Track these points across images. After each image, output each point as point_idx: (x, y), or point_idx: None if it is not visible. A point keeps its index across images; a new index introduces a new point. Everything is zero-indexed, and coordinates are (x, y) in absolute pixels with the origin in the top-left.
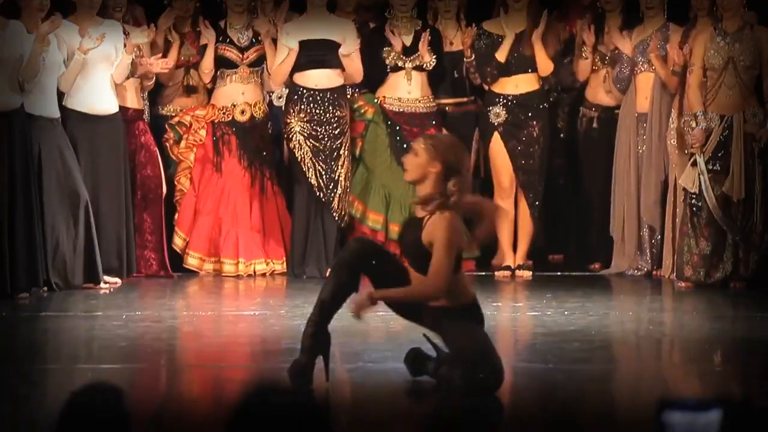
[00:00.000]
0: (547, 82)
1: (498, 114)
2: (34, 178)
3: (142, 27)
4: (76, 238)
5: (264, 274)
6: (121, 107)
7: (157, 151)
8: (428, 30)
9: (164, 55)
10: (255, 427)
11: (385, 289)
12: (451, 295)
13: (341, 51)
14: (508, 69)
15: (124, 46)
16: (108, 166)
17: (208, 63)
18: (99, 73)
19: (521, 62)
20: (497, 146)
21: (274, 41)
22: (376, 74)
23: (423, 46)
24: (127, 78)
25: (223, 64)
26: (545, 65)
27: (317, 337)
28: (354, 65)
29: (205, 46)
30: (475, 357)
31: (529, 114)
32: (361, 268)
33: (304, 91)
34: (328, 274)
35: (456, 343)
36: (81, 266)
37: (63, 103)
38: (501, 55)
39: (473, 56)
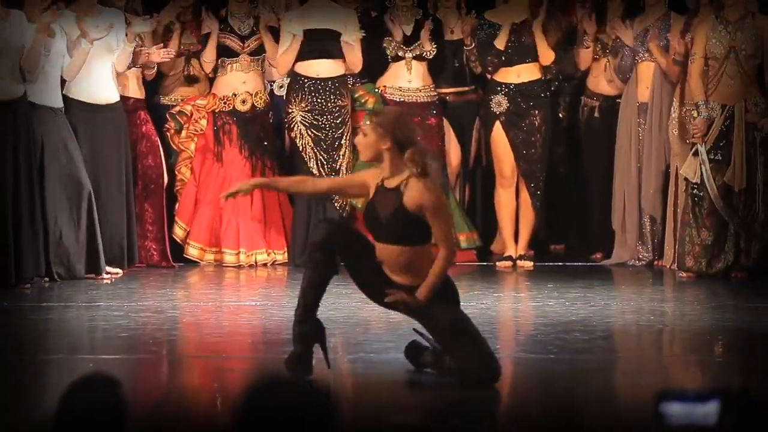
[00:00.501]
0: (548, 72)
1: (499, 103)
2: (37, 167)
3: (143, 16)
4: (78, 228)
5: (265, 264)
6: (122, 97)
7: (159, 140)
8: (430, 19)
9: (165, 44)
10: (258, 420)
11: (414, 285)
12: (425, 273)
13: (343, 39)
14: (510, 58)
15: (126, 35)
16: (109, 155)
17: (210, 52)
18: (100, 63)
19: (522, 51)
20: (499, 135)
21: (274, 31)
22: (376, 64)
23: (425, 35)
24: (129, 67)
25: (223, 53)
26: (546, 54)
27: (305, 325)
28: (354, 54)
29: (206, 35)
30: (466, 347)
31: (531, 103)
32: (335, 249)
33: (306, 80)
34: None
35: (439, 326)
36: (83, 257)
37: (64, 92)
38: (500, 43)
39: (473, 45)
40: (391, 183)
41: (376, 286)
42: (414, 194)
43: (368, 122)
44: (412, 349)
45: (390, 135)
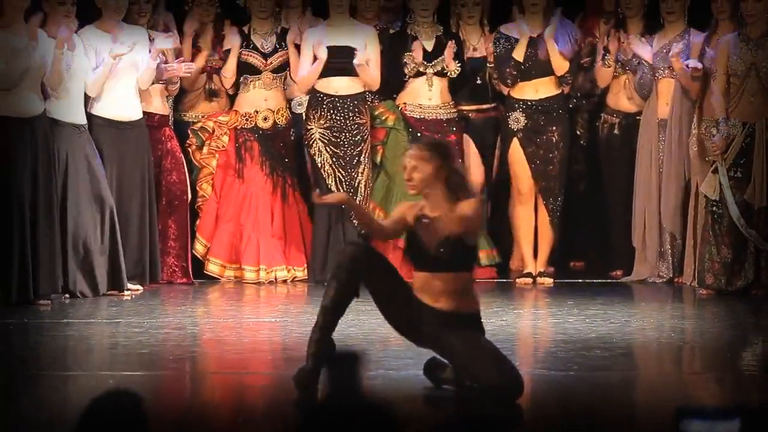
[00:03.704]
0: (564, 82)
1: (517, 119)
2: (56, 184)
3: (167, 33)
4: (101, 244)
5: (285, 281)
6: (147, 113)
7: (183, 157)
8: (452, 40)
9: (191, 61)
10: None
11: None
12: (464, 298)
13: (359, 58)
14: (527, 72)
15: (149, 51)
16: (132, 172)
17: (231, 68)
18: (124, 80)
19: (539, 65)
20: (516, 152)
21: (297, 47)
22: (396, 80)
23: (449, 55)
24: (153, 84)
25: (246, 70)
26: (559, 64)
27: (322, 343)
28: (373, 72)
29: (228, 51)
30: (489, 366)
31: (549, 120)
32: (361, 273)
33: (325, 97)
34: (328, 279)
35: (466, 354)
36: (105, 273)
37: (88, 110)
38: (518, 54)
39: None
40: (434, 212)
41: (404, 315)
42: (458, 215)
43: (416, 152)
44: (432, 366)
45: (445, 173)
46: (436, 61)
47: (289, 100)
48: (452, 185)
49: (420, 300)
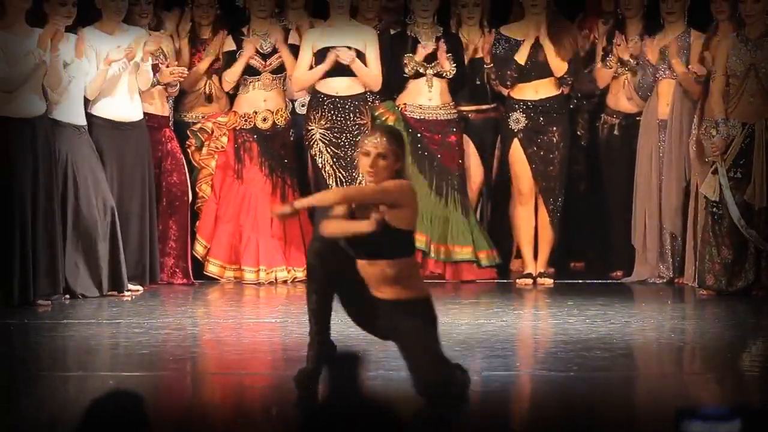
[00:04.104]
0: (563, 83)
1: (518, 120)
2: (57, 184)
3: (156, 33)
4: (101, 245)
5: (285, 282)
6: (147, 114)
7: (183, 158)
8: (443, 39)
9: (192, 63)
10: None
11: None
12: (406, 285)
13: (348, 55)
14: (528, 74)
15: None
16: (133, 173)
17: (235, 72)
18: (124, 81)
19: (539, 67)
20: (517, 152)
21: (293, 48)
22: (396, 81)
23: (441, 56)
24: (153, 85)
25: (245, 71)
26: (557, 65)
27: (321, 345)
28: (373, 72)
29: (228, 53)
30: (428, 365)
31: (549, 120)
32: (328, 263)
33: (325, 98)
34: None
35: (409, 349)
36: (106, 274)
37: (89, 111)
38: (521, 57)
39: (492, 63)
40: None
41: (362, 309)
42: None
43: (377, 140)
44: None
45: (400, 163)
46: (435, 62)
47: (292, 101)
48: (400, 175)
49: (370, 291)
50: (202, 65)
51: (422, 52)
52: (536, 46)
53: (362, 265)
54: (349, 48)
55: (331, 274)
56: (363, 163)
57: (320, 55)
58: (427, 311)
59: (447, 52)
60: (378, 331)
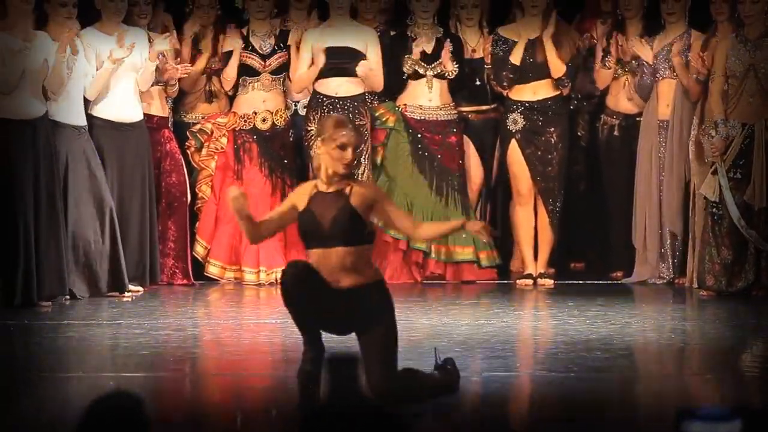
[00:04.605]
0: (561, 84)
1: (515, 121)
2: (59, 185)
3: (164, 34)
4: (101, 246)
5: None
6: (146, 115)
7: (182, 158)
8: (448, 39)
9: (191, 64)
10: None
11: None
12: (362, 272)
13: (363, 68)
14: (525, 74)
15: (149, 53)
16: (133, 174)
17: (232, 71)
18: (124, 81)
19: (537, 68)
20: (515, 153)
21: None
22: (396, 82)
23: (446, 56)
24: (153, 85)
25: (245, 71)
26: (556, 66)
27: (311, 352)
28: (375, 74)
29: (228, 53)
30: (379, 373)
31: (547, 121)
32: (302, 287)
33: (324, 98)
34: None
35: (365, 349)
36: (106, 275)
37: (89, 111)
38: (515, 58)
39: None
40: (330, 188)
41: (327, 311)
42: (364, 193)
43: (350, 132)
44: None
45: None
46: (436, 62)
47: (294, 102)
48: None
49: (328, 287)
50: (199, 64)
51: (417, 50)
52: (533, 47)
53: (315, 254)
54: (352, 49)
55: (304, 296)
56: (339, 156)
57: (328, 54)
58: (383, 294)
59: (450, 53)
60: (336, 324)
